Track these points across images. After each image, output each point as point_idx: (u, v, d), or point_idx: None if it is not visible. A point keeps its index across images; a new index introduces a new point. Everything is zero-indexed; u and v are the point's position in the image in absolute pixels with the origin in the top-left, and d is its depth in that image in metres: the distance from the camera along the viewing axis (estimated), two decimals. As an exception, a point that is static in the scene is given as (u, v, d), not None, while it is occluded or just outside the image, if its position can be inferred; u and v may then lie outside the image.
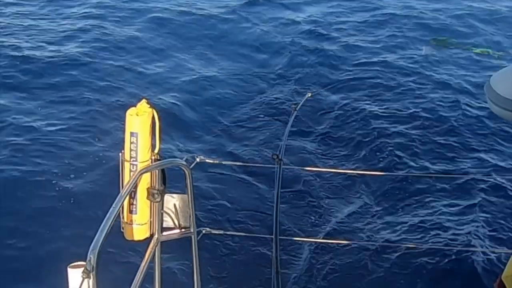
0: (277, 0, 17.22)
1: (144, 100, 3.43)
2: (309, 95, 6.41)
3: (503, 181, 8.83)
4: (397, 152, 9.61)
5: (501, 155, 9.66)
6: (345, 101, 11.28)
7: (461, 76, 12.93)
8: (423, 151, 9.72)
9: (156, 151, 3.51)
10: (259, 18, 16.01)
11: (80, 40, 13.36)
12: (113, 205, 2.90)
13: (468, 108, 11.34)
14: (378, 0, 17.47)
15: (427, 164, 9.34)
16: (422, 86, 12.32)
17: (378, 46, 14.52)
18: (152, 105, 3.40)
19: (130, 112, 3.38)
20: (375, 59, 13.55)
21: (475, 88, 12.10)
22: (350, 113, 10.87)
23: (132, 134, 3.35)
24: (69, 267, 2.87)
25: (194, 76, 11.88)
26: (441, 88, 12.13)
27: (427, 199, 8.47)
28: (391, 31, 15.60)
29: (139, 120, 3.35)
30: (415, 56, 13.90)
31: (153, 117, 3.43)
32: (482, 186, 8.73)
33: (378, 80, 12.37)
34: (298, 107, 5.98)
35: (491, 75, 3.26)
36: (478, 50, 14.62)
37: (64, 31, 13.79)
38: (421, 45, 14.39)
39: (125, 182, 3.33)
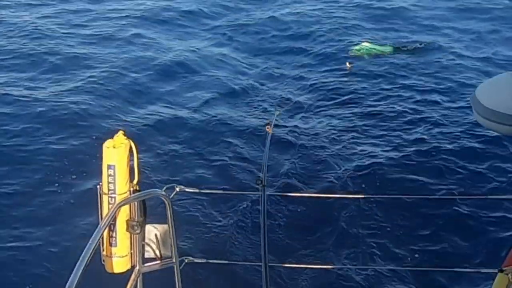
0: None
1: (120, 132, 3.44)
2: (278, 113, 6.36)
3: (491, 200, 8.88)
4: (376, 171, 9.60)
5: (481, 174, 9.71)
6: (314, 116, 11.29)
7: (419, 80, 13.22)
8: (404, 171, 9.71)
9: (135, 182, 3.51)
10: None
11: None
12: (90, 241, 2.88)
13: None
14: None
15: (410, 184, 9.33)
16: (395, 94, 12.49)
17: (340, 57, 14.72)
18: (129, 137, 3.41)
19: (107, 144, 3.38)
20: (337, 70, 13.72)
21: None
22: (321, 127, 10.85)
23: (109, 166, 3.35)
24: None
25: (163, 105, 11.79)
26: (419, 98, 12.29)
27: (413, 220, 8.46)
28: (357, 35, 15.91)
29: (116, 153, 3.35)
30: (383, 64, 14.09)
31: (130, 149, 3.44)
32: (468, 206, 8.76)
33: (345, 93, 12.43)
34: (271, 127, 5.93)
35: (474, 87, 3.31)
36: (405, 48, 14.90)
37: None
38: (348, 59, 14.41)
39: (104, 215, 3.32)
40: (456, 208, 8.70)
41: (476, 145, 10.38)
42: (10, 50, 13.95)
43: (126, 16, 17.10)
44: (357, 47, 14.79)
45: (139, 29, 15.87)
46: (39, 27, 15.56)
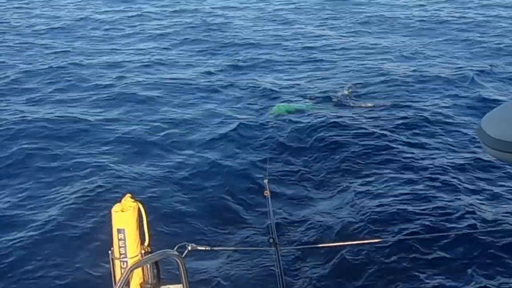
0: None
1: (128, 195, 3.47)
2: (266, 181, 6.46)
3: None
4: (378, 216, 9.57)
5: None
6: (302, 171, 11.29)
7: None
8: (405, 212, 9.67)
9: (146, 243, 3.52)
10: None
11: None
12: None
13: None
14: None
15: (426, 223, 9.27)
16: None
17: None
18: (136, 199, 3.43)
19: (115, 208, 3.40)
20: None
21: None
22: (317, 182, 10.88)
23: (119, 231, 3.37)
24: None
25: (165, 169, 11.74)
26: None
27: (439, 259, 8.38)
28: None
29: (125, 216, 3.37)
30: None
31: (139, 211, 3.46)
32: (481, 240, 8.70)
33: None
34: (268, 191, 6.03)
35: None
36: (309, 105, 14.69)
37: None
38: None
39: (117, 280, 3.32)
40: (464, 245, 8.66)
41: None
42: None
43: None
44: (278, 106, 14.61)
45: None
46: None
